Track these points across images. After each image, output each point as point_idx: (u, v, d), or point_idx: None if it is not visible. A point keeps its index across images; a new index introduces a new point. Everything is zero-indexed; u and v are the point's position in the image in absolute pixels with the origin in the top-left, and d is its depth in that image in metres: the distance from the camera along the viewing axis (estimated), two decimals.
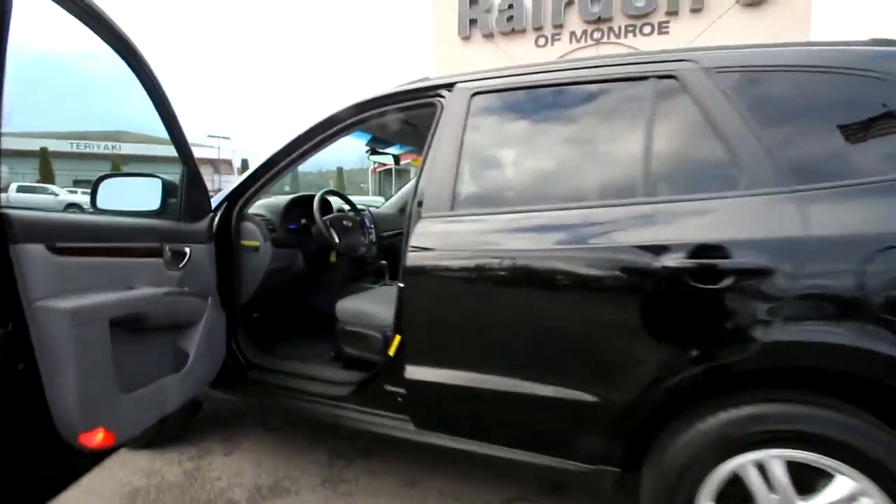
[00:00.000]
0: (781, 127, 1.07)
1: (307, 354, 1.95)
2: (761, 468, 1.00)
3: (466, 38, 9.88)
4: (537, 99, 1.36)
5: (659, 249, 1.07)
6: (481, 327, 1.28)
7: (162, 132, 1.38)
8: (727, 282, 1.00)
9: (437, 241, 1.31)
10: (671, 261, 1.04)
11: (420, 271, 1.31)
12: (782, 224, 0.99)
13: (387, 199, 3.36)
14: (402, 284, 1.36)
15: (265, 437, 2.00)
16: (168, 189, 1.47)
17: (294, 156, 1.69)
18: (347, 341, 1.74)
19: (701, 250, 1.04)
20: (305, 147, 1.68)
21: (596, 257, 1.13)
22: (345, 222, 2.13)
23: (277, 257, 1.88)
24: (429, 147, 1.43)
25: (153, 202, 1.46)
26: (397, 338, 1.42)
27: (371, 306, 1.72)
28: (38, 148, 26.30)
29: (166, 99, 1.31)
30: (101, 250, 1.09)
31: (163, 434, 1.84)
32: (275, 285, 1.99)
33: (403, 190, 3.23)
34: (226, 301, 1.65)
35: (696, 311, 1.05)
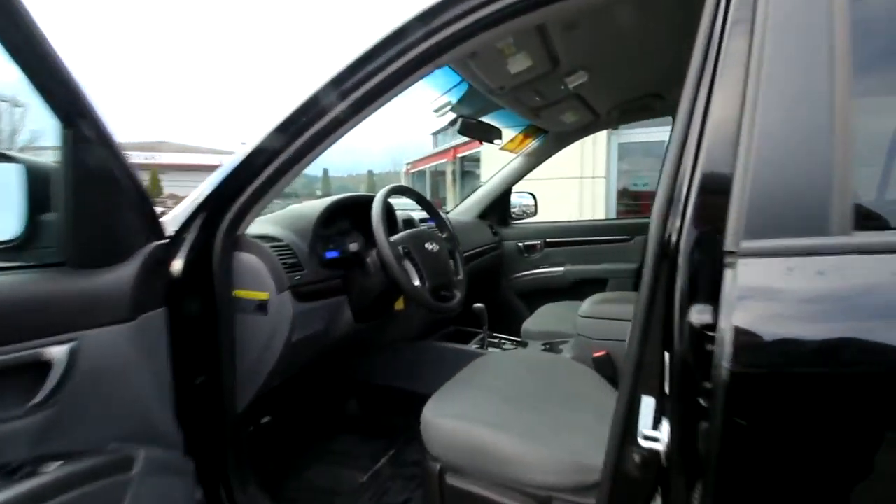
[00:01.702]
0: None
1: None
2: None
3: None
4: None
5: None
6: None
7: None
8: None
9: (828, 319, 0.40)
10: None
11: (781, 396, 0.40)
12: None
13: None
14: (708, 423, 0.47)
15: None
16: (41, 189, 0.65)
17: (337, 112, 0.83)
18: None
19: None
20: (359, 94, 0.82)
21: None
22: (427, 245, 1.20)
23: (306, 318, 1.03)
24: (714, 77, 0.51)
25: (8, 224, 0.65)
26: None
27: (504, 437, 0.83)
28: None
29: None
30: None
31: None
32: (302, 365, 1.15)
33: (486, 187, 2.34)
34: (201, 416, 0.82)
35: None
